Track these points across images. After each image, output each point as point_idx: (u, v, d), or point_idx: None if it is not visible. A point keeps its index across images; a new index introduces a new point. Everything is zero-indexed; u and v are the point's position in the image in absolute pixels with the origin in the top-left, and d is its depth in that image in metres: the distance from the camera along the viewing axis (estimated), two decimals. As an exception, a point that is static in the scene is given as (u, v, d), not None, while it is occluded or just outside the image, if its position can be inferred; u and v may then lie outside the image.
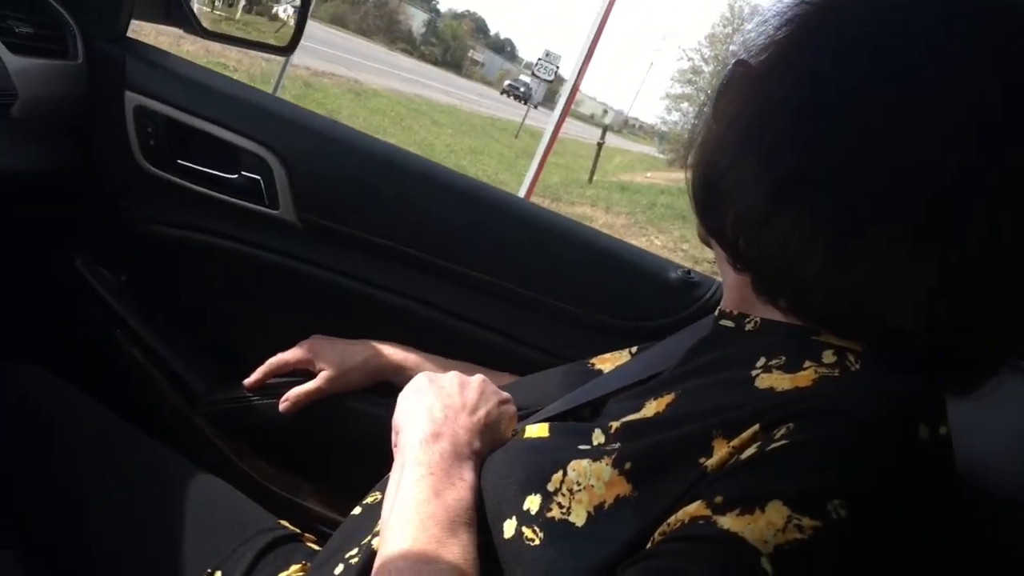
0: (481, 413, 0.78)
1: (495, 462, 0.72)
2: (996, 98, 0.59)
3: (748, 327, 0.71)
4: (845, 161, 0.60)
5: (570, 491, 0.63)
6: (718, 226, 0.69)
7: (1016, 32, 0.60)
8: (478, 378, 0.84)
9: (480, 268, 1.25)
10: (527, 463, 0.69)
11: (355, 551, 0.79)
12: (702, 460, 0.59)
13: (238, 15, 1.83)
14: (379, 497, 0.88)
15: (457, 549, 0.63)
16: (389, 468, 0.93)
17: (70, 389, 1.11)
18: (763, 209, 0.63)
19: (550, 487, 0.64)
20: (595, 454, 0.65)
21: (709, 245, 0.77)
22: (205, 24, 1.41)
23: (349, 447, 1.21)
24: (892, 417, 0.56)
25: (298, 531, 1.04)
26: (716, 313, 0.77)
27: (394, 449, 0.81)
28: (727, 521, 0.53)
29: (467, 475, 0.71)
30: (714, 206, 0.69)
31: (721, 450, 0.58)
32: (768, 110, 0.64)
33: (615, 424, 0.69)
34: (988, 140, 0.58)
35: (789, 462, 0.54)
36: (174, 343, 1.31)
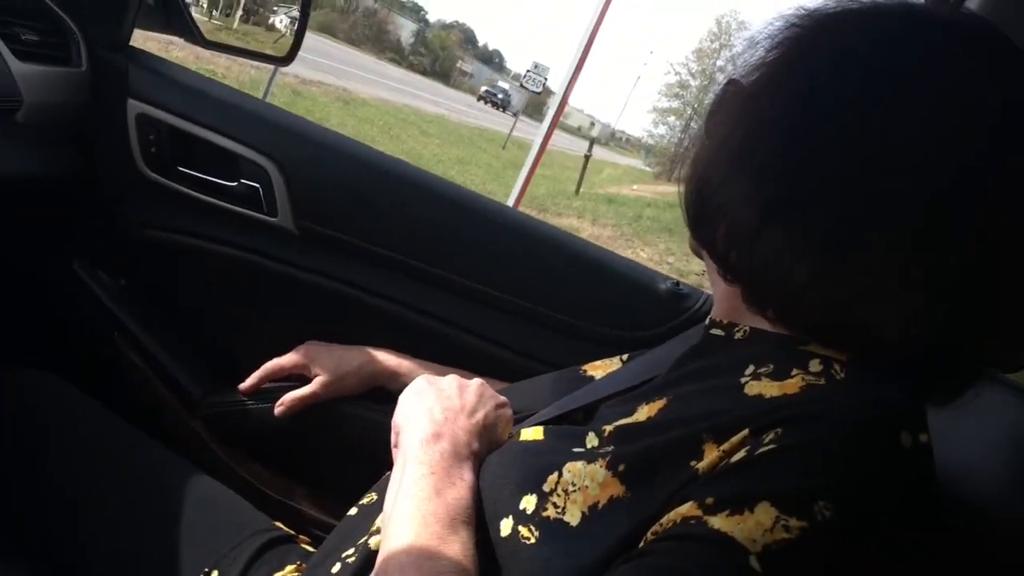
0: (479, 415, 0.81)
1: (492, 463, 0.75)
2: (995, 102, 0.61)
3: (737, 336, 0.74)
4: (842, 172, 0.62)
5: (565, 492, 0.65)
6: (709, 239, 0.71)
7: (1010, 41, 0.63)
8: (476, 381, 0.87)
9: (473, 277, 1.27)
10: (523, 464, 0.71)
11: (352, 551, 0.81)
12: (693, 463, 0.61)
13: (235, 24, 1.85)
14: (375, 498, 0.90)
15: (457, 546, 0.66)
16: (383, 472, 0.95)
17: (70, 391, 1.12)
18: (754, 225, 0.65)
19: (546, 488, 0.66)
20: (589, 456, 0.67)
21: (700, 257, 0.80)
22: (205, 34, 1.43)
23: (343, 451, 1.22)
24: (876, 424, 0.58)
25: (293, 532, 1.05)
26: (707, 322, 0.79)
27: (393, 449, 0.83)
28: (717, 521, 0.55)
29: (466, 475, 0.73)
30: (706, 220, 0.71)
31: (711, 454, 0.61)
32: (759, 131, 0.66)
33: (608, 428, 0.71)
34: (987, 144, 0.60)
35: (777, 465, 0.56)
36: (172, 347, 1.32)
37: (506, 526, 0.66)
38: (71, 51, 1.24)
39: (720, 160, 0.69)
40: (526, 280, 1.28)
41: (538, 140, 7.15)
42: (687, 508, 0.57)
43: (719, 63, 49.12)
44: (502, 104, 56.86)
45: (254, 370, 1.22)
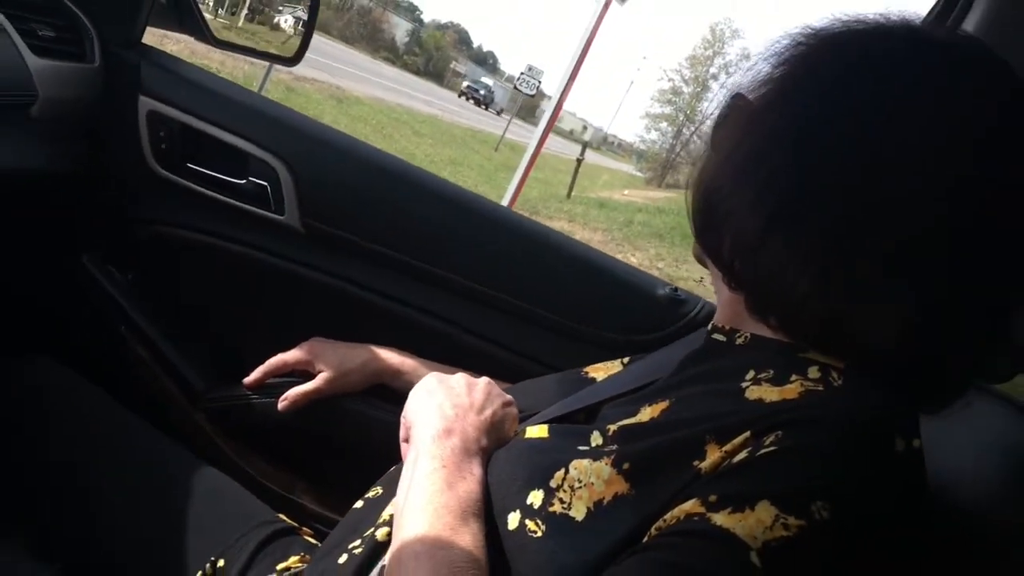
0: (488, 413, 0.83)
1: (500, 459, 0.77)
2: (989, 113, 0.64)
3: (739, 341, 0.77)
4: (843, 181, 0.65)
5: (571, 488, 0.68)
6: (715, 248, 0.74)
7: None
8: (484, 380, 0.89)
9: (475, 278, 1.29)
10: (530, 461, 0.73)
11: (358, 542, 0.82)
12: (696, 462, 0.63)
13: (240, 22, 1.87)
14: (381, 492, 0.92)
15: (468, 537, 0.68)
16: (384, 469, 0.97)
17: (78, 380, 1.14)
18: (758, 235, 0.68)
19: (552, 484, 0.69)
20: (595, 454, 0.70)
21: (704, 264, 0.82)
22: (214, 32, 1.45)
23: (345, 448, 1.25)
24: (871, 429, 0.60)
25: (296, 525, 1.07)
26: (709, 327, 0.82)
27: (403, 444, 0.86)
28: (720, 518, 0.57)
29: (476, 470, 0.75)
30: (712, 229, 0.74)
31: (714, 454, 0.63)
32: (764, 143, 0.69)
33: (612, 427, 0.74)
34: (981, 154, 0.63)
35: (777, 466, 0.59)
36: (178, 342, 1.34)
37: (514, 520, 0.69)
38: (85, 47, 1.25)
39: (727, 172, 0.72)
40: (527, 281, 1.30)
41: (532, 143, 7.17)
42: (691, 505, 0.60)
43: (712, 70, 49.31)
44: (485, 101, 55.31)
45: (258, 365, 1.24)
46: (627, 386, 0.88)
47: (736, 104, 0.75)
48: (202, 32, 1.41)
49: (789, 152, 0.67)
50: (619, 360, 1.04)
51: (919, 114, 0.64)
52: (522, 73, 17.03)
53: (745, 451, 0.61)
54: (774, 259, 0.67)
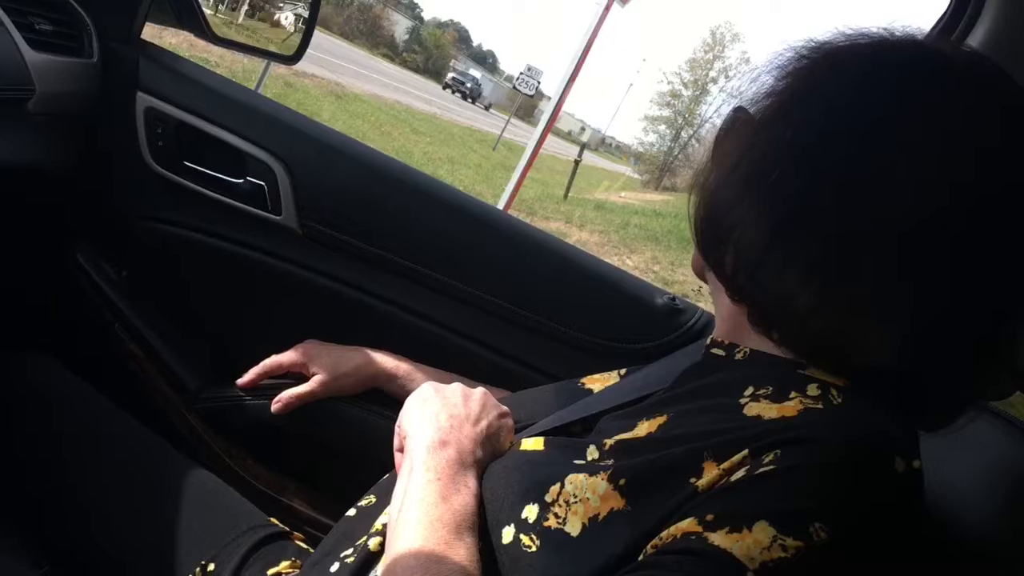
0: (483, 424, 0.82)
1: (495, 471, 0.76)
2: (995, 127, 0.64)
3: (738, 356, 0.76)
4: (846, 193, 0.65)
5: (567, 503, 0.67)
6: (718, 260, 0.73)
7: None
8: (480, 391, 0.88)
9: (473, 283, 1.29)
10: (525, 474, 0.73)
11: (351, 551, 0.82)
12: (693, 480, 0.63)
13: (240, 19, 1.86)
14: (374, 500, 0.92)
15: (463, 551, 0.67)
16: (376, 473, 0.97)
17: (70, 377, 1.13)
18: (762, 246, 0.68)
19: (547, 498, 0.68)
20: (590, 469, 0.69)
21: (703, 278, 0.82)
22: (214, 29, 1.44)
23: (337, 451, 1.24)
24: (871, 449, 0.60)
25: (287, 529, 1.06)
26: (708, 341, 0.82)
27: (397, 453, 0.85)
28: (717, 538, 0.57)
29: (471, 482, 0.75)
30: (716, 241, 0.73)
31: (711, 471, 0.62)
32: (768, 156, 0.69)
33: (609, 441, 0.73)
34: (988, 168, 0.63)
35: (776, 486, 0.58)
36: (171, 340, 1.33)
37: (508, 534, 0.68)
38: (83, 42, 1.24)
39: (731, 184, 0.71)
40: (524, 287, 1.29)
41: (531, 144, 7.17)
42: (687, 524, 0.59)
43: (712, 74, 49.39)
44: (471, 95, 49.61)
45: (253, 366, 1.23)
46: (624, 398, 0.87)
47: (739, 117, 0.75)
48: (202, 29, 1.40)
49: (792, 165, 0.67)
50: (615, 371, 1.03)
51: (921, 130, 0.64)
52: (521, 73, 17.07)
53: (743, 469, 0.61)
54: (777, 270, 0.67)
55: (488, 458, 0.80)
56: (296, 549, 1.01)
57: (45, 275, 1.37)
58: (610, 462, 0.70)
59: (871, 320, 0.65)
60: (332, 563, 0.82)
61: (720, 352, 0.79)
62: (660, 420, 0.73)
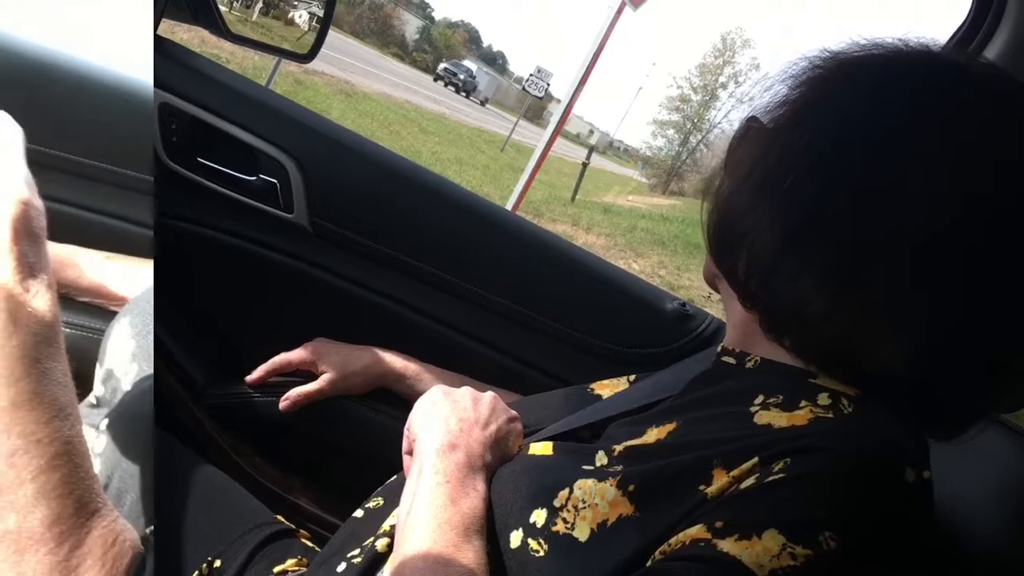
0: (492, 428, 0.83)
1: (503, 476, 0.77)
2: (1012, 138, 0.64)
3: (749, 365, 0.76)
4: (859, 200, 0.65)
5: (575, 508, 0.67)
6: (731, 267, 0.74)
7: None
8: (489, 395, 0.89)
9: (483, 285, 1.29)
10: (534, 479, 0.73)
11: (358, 552, 0.82)
12: (702, 487, 0.63)
13: (254, 16, 1.86)
14: (382, 502, 0.92)
15: (471, 554, 0.68)
16: (384, 472, 0.97)
17: None
18: (776, 253, 0.68)
19: (556, 503, 0.68)
20: (599, 475, 0.69)
21: (713, 287, 0.82)
22: (228, 26, 1.44)
23: (345, 450, 1.24)
24: (881, 459, 0.60)
25: (293, 527, 1.06)
26: (719, 349, 0.82)
27: (406, 456, 0.85)
28: (726, 545, 0.57)
29: (480, 486, 0.75)
30: (729, 248, 0.73)
31: (721, 479, 0.63)
32: (781, 164, 0.69)
33: (618, 447, 0.73)
34: (1004, 178, 0.63)
35: (786, 494, 0.59)
36: (180, 335, 1.33)
37: (516, 538, 0.68)
38: (98, 37, 1.25)
39: (744, 191, 0.72)
40: (534, 289, 1.29)
41: (540, 146, 7.17)
42: (696, 530, 0.59)
43: (721, 79, 49.34)
44: (465, 88, 45.82)
45: (261, 363, 1.23)
46: (633, 404, 0.88)
47: (752, 126, 0.75)
48: (217, 26, 1.40)
49: (807, 171, 0.67)
50: (625, 377, 1.03)
51: (935, 141, 0.64)
52: (531, 75, 17.07)
53: (753, 477, 0.61)
54: (790, 276, 0.67)
55: (497, 462, 0.80)
56: (302, 547, 1.01)
57: None
58: (619, 468, 0.70)
59: (884, 327, 0.65)
60: (339, 563, 0.82)
61: (731, 360, 0.79)
62: (670, 427, 0.73)
